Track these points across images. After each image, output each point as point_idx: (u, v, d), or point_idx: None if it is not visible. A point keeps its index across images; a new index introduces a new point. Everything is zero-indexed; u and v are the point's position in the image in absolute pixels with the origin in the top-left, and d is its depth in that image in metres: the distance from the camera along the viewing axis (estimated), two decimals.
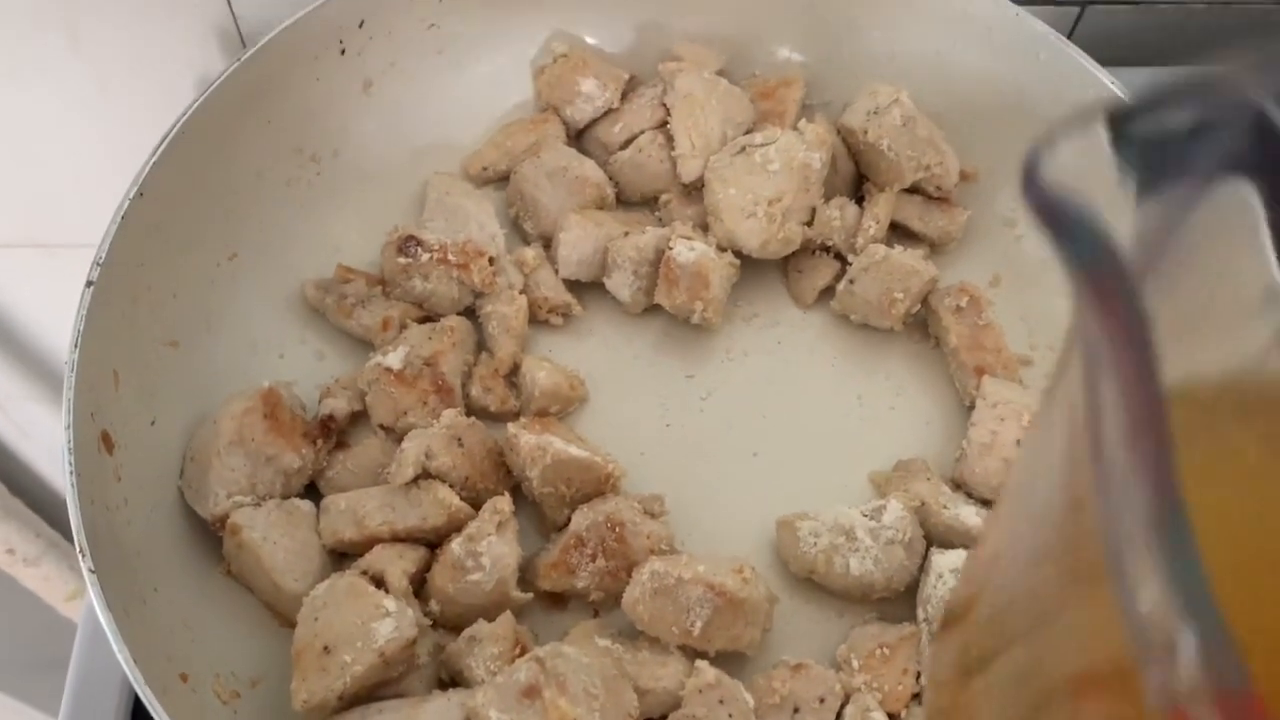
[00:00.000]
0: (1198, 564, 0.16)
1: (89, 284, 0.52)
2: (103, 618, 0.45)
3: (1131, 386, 0.17)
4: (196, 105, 0.57)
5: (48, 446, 1.15)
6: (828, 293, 0.67)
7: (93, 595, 0.45)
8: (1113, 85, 0.63)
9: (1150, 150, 0.20)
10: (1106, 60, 0.64)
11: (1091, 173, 0.20)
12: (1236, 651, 0.15)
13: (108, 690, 0.57)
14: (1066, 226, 0.19)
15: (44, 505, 1.14)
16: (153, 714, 0.43)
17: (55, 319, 1.02)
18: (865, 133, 0.67)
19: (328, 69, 0.64)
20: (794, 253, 0.66)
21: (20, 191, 0.87)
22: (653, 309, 0.65)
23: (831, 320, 0.67)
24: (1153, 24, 0.83)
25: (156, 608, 0.50)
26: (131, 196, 0.54)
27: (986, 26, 0.67)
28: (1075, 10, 0.81)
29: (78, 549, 0.46)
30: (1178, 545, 0.16)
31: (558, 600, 0.58)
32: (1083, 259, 0.19)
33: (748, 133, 0.68)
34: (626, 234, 0.65)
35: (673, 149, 0.68)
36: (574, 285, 0.66)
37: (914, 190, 0.68)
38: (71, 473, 0.48)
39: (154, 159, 0.55)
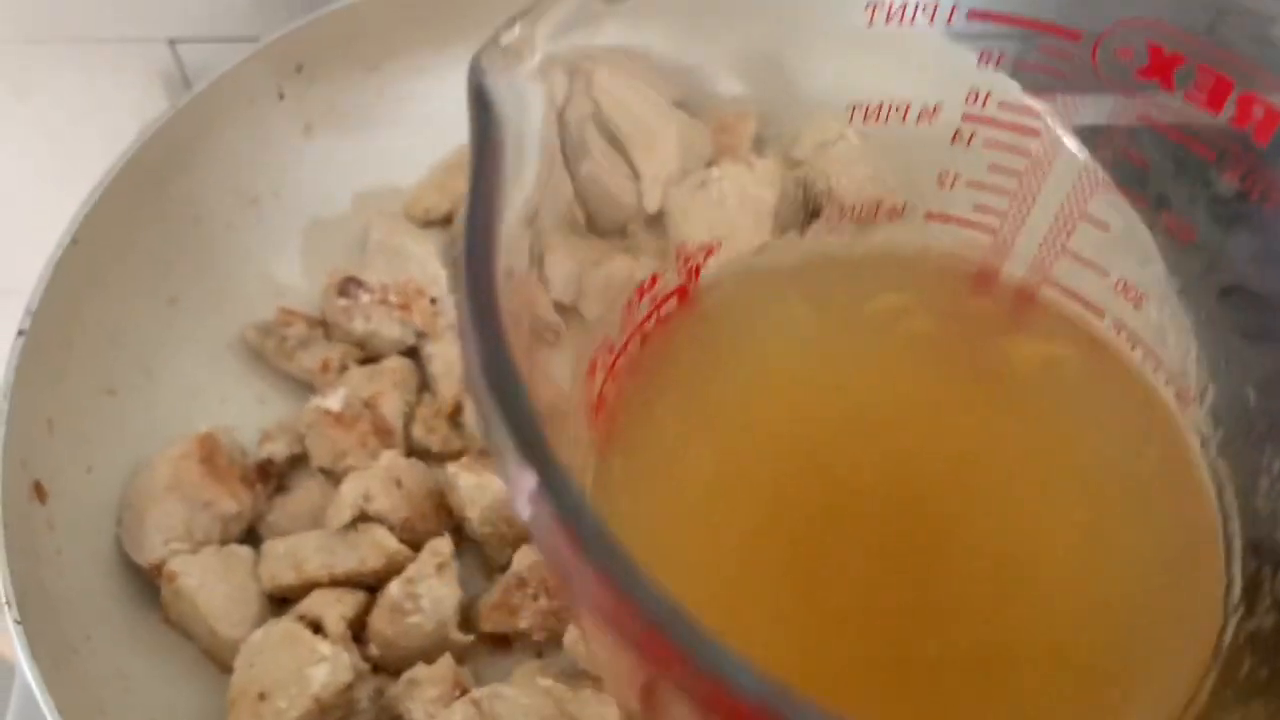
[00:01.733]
0: (524, 410, 0.18)
1: (20, 333, 0.52)
2: (28, 669, 0.44)
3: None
4: (131, 154, 0.57)
5: None
6: None
7: (18, 646, 0.45)
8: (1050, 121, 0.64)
9: None
10: None
11: None
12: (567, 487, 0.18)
13: None
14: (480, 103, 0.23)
15: None
16: None
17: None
18: (812, 164, 0.67)
19: (266, 114, 0.64)
20: None
21: None
22: None
23: None
24: None
25: (88, 658, 0.50)
26: (65, 244, 0.54)
27: (923, 61, 0.68)
28: None
29: (3, 599, 0.46)
30: (505, 396, 0.18)
31: (502, 642, 0.58)
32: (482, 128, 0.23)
33: (708, 166, 0.68)
34: None
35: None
36: None
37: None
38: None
39: (87, 207, 0.55)
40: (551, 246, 0.26)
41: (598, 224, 0.70)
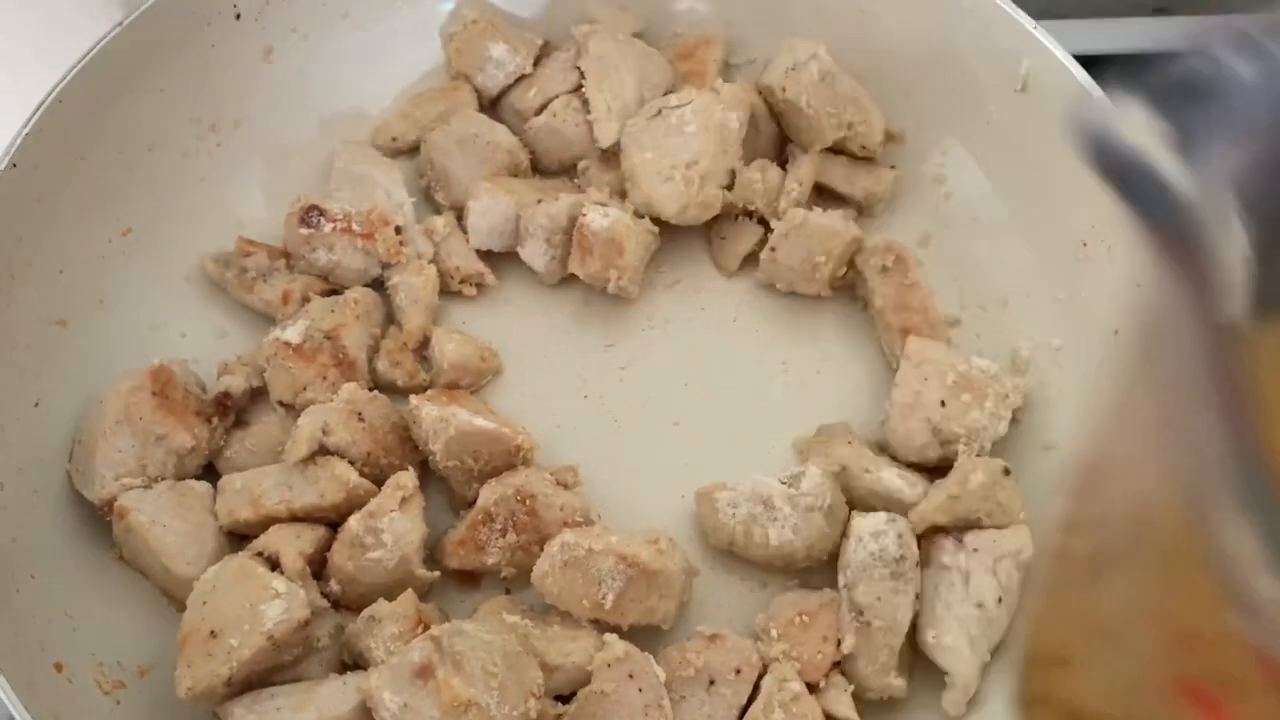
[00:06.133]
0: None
1: None
2: None
3: (1206, 346, 0.17)
4: (73, 74, 0.55)
5: None
6: (752, 259, 0.64)
7: None
8: (1040, 37, 0.61)
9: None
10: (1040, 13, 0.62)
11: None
12: None
13: None
14: (1136, 187, 0.19)
15: None
16: (5, 701, 0.41)
17: None
18: (784, 90, 0.64)
19: (223, 35, 0.62)
20: (716, 218, 0.64)
21: None
22: (571, 278, 0.63)
23: (757, 287, 0.65)
24: None
25: (31, 596, 0.48)
26: (2, 168, 0.52)
27: None
28: None
29: None
30: (1257, 498, 0.15)
31: (471, 579, 0.56)
32: (1154, 215, 0.19)
33: (666, 94, 0.65)
34: (539, 201, 0.62)
35: (588, 113, 0.65)
36: (489, 255, 0.64)
37: (839, 151, 0.66)
38: None
39: (26, 129, 0.53)
40: None
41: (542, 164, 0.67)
